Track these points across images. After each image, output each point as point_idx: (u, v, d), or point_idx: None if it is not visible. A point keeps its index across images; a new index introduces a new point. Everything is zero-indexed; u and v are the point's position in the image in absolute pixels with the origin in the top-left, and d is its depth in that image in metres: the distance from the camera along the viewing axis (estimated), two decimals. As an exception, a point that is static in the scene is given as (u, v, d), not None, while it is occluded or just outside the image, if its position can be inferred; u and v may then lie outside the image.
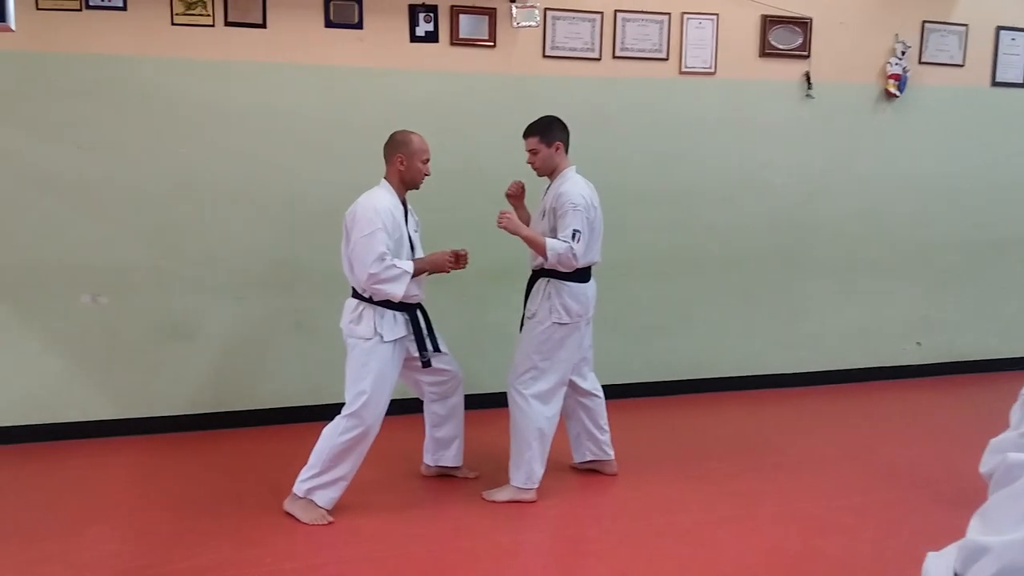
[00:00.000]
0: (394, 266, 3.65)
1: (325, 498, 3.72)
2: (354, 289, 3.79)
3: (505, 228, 3.84)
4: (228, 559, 3.37)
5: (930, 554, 1.01)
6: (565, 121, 4.04)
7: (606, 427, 4.31)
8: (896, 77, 5.84)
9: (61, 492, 4.07)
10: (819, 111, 5.77)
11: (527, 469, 3.97)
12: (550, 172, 4.03)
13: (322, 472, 3.70)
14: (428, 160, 3.83)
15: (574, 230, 3.82)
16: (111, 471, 4.35)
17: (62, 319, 4.69)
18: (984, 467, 0.96)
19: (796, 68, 5.70)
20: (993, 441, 0.96)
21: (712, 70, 5.52)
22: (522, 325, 4.10)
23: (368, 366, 3.71)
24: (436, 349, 3.95)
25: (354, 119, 4.92)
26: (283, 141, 4.87)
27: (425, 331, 3.89)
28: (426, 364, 3.89)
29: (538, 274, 4.03)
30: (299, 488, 3.73)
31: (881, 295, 6.16)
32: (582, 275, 3.99)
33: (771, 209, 5.79)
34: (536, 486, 3.99)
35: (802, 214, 5.87)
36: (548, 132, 3.97)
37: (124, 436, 4.77)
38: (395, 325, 3.77)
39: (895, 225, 6.10)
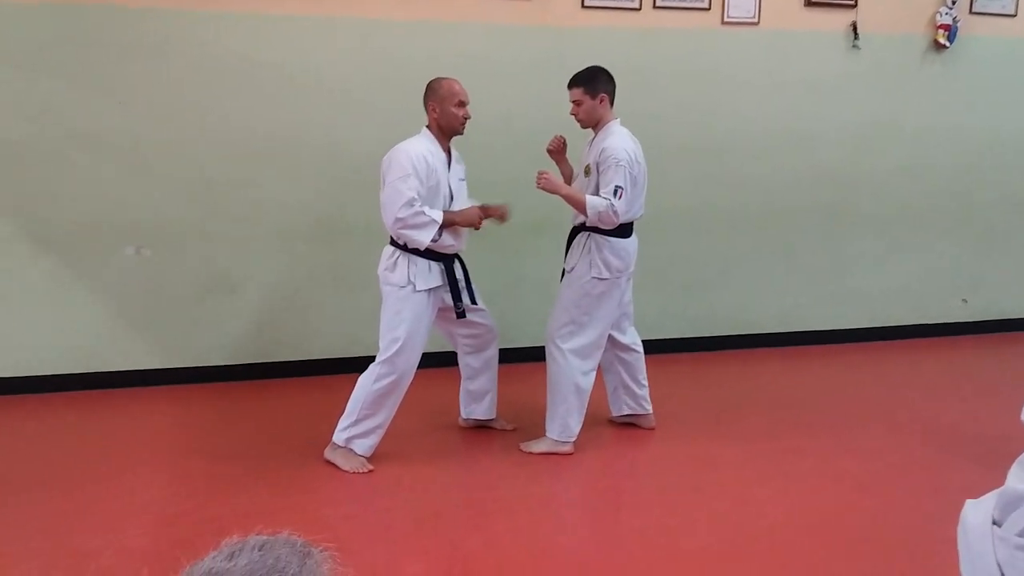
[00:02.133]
0: (422, 213, 3.63)
1: (364, 446, 3.78)
2: (392, 237, 3.79)
3: (544, 188, 3.81)
4: (269, 505, 3.45)
5: (968, 502, 1.00)
6: (605, 73, 3.98)
7: (644, 382, 4.31)
8: (946, 27, 5.67)
9: (106, 439, 4.18)
10: (865, 63, 5.63)
11: (562, 422, 4.00)
12: (594, 124, 3.97)
13: (359, 420, 3.76)
14: (464, 103, 3.76)
15: (616, 186, 3.76)
16: (154, 419, 4.45)
17: (108, 271, 4.77)
18: (1026, 414, 0.94)
19: (842, 18, 5.55)
20: (1037, 388, 0.95)
21: (755, 20, 5.40)
22: (562, 278, 4.09)
23: (402, 314, 3.73)
24: (472, 302, 3.96)
25: (391, 72, 4.89)
26: (322, 95, 4.87)
27: (462, 283, 3.89)
28: (460, 315, 3.90)
29: (578, 229, 4.01)
30: (338, 437, 3.80)
31: (927, 252, 6.05)
32: (624, 230, 3.95)
33: (814, 163, 5.69)
34: (573, 439, 4.01)
35: (846, 168, 5.76)
36: (593, 83, 3.89)
37: (167, 385, 4.88)
38: (429, 275, 3.77)
39: (942, 180, 5.96)
